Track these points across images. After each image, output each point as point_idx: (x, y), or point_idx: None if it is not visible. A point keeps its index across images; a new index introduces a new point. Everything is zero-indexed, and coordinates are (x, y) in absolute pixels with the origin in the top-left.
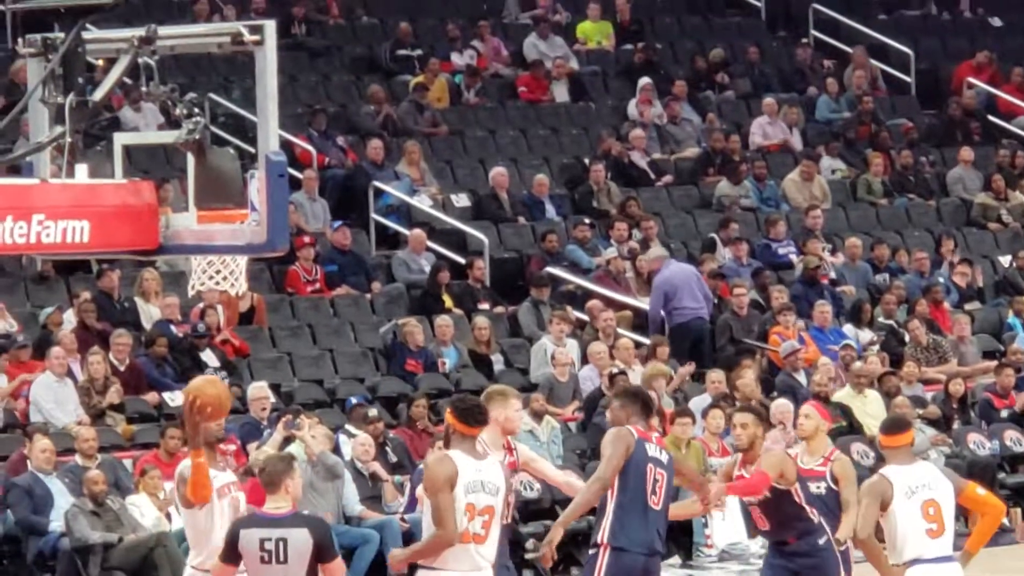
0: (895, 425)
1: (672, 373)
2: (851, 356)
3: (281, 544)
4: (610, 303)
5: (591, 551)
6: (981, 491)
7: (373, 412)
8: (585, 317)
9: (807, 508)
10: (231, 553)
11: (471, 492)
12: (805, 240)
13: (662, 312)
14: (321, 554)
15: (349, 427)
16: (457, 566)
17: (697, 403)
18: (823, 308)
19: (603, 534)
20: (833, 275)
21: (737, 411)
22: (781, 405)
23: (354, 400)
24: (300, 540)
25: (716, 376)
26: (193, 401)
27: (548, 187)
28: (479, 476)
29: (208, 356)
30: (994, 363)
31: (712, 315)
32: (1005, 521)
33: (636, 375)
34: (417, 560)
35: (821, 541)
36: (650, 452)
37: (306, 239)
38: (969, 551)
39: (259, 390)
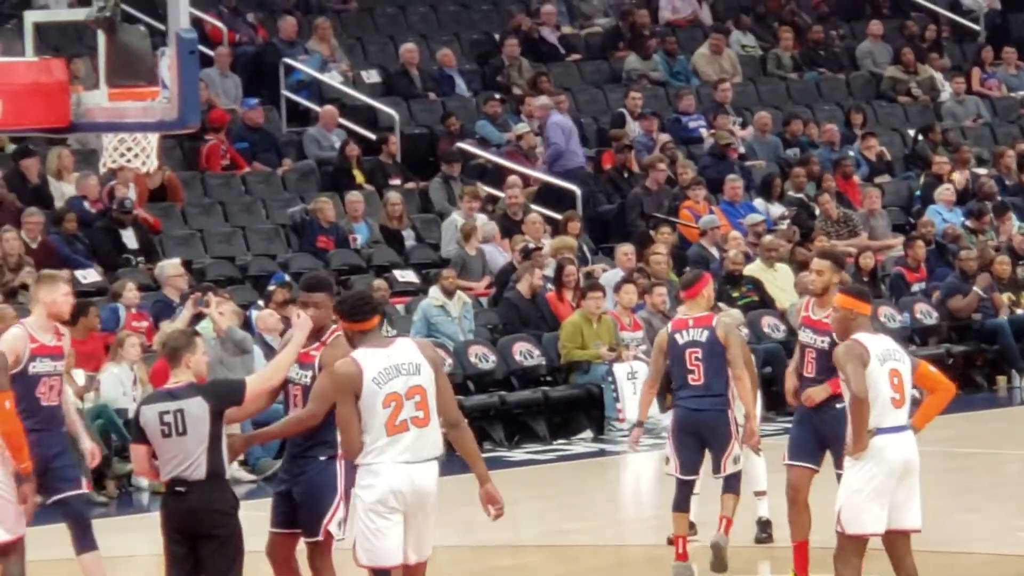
0: (858, 293)
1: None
2: (759, 230)
3: (179, 416)
4: (520, 178)
5: None
6: (933, 369)
7: (281, 295)
8: (496, 192)
9: None
10: (138, 431)
11: (387, 381)
12: (715, 114)
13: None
14: (220, 409)
15: (260, 303)
16: (400, 456)
17: (609, 278)
18: (734, 183)
19: None
20: (743, 149)
21: (816, 256)
22: None
23: (274, 283)
24: (196, 408)
25: (626, 250)
26: None
27: (457, 62)
28: (390, 362)
29: (129, 238)
30: (902, 238)
31: (623, 190)
32: (915, 393)
33: (546, 249)
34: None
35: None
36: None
37: (217, 116)
38: (915, 426)
39: (172, 268)
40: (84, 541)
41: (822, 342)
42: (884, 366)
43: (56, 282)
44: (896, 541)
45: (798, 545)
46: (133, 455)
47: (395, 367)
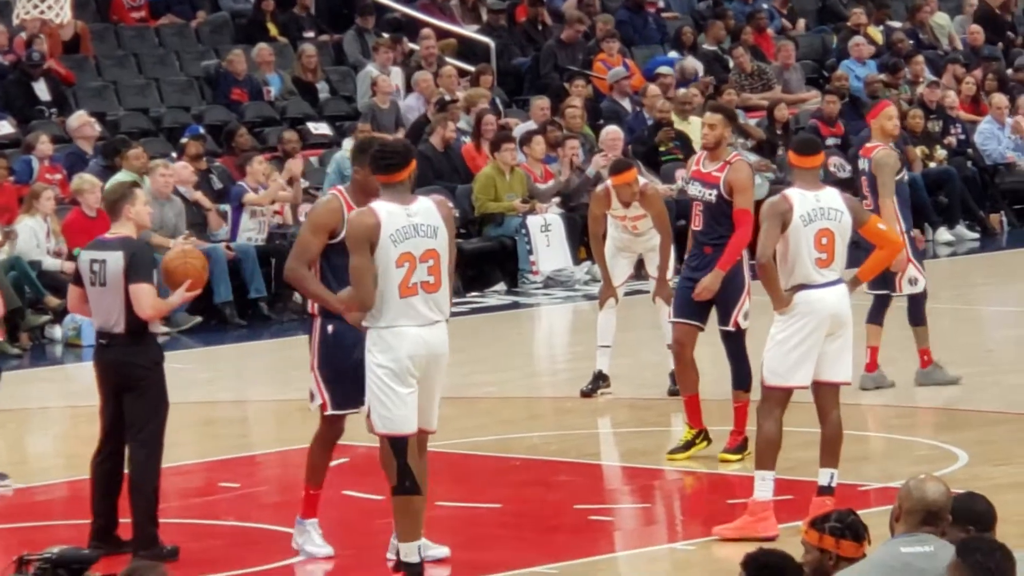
0: (805, 145)
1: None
2: (668, 83)
3: (102, 267)
4: (435, 31)
5: None
6: (882, 226)
7: (195, 147)
8: (411, 45)
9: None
10: (76, 273)
11: (403, 239)
12: None
13: None
14: (128, 273)
15: (174, 155)
16: (414, 320)
17: (520, 129)
18: (648, 34)
19: None
20: (659, 3)
21: (708, 110)
22: (610, 131)
23: (188, 135)
24: (115, 261)
25: (542, 103)
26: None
27: None
28: (408, 221)
29: (41, 90)
30: (815, 91)
31: (537, 43)
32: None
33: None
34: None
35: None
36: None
37: None
38: (858, 278)
39: (82, 118)
40: None
41: (709, 195)
42: (810, 226)
43: None
44: (824, 393)
45: (688, 399)
46: (68, 294)
47: (413, 227)
